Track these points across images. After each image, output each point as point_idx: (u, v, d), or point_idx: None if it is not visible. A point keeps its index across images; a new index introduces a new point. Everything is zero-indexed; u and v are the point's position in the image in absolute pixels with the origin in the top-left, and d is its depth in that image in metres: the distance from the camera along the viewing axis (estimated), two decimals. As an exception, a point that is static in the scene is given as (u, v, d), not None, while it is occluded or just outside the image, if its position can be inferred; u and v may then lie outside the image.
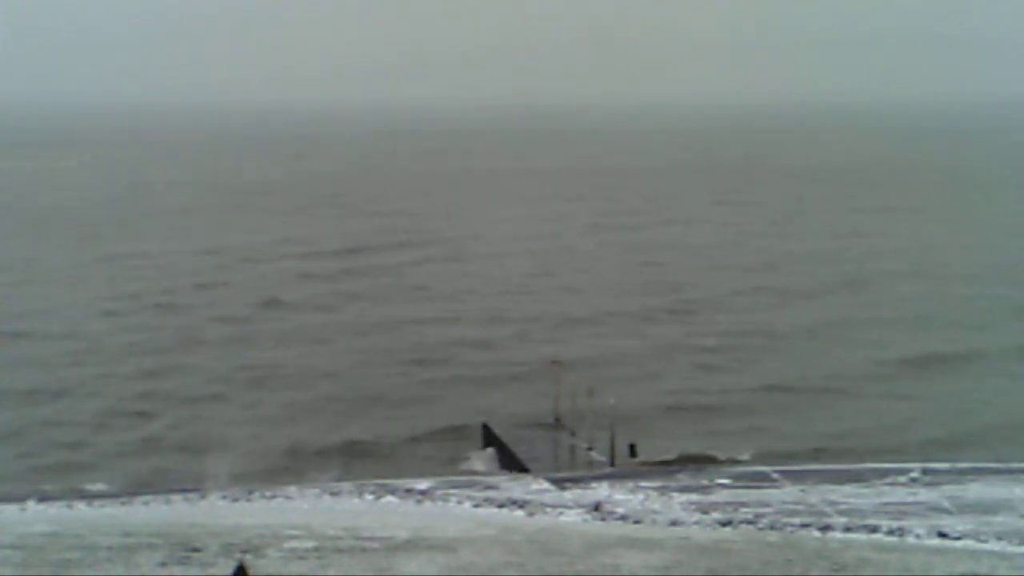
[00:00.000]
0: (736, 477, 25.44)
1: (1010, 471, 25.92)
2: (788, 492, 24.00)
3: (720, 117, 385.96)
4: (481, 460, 32.07)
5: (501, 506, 22.72)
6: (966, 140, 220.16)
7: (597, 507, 22.40)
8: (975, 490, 23.97)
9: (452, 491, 24.20)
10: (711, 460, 30.03)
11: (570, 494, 23.98)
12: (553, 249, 74.88)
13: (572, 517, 21.66)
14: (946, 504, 22.85)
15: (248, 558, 15.65)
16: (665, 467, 27.98)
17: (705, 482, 25.00)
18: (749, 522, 21.18)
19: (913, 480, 24.75)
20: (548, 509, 22.37)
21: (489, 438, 32.85)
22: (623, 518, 21.54)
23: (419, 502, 23.27)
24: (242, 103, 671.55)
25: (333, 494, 24.34)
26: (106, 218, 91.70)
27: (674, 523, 21.13)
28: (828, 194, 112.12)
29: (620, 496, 23.59)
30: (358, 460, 32.64)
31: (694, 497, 23.54)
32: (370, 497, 23.80)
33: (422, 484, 25.10)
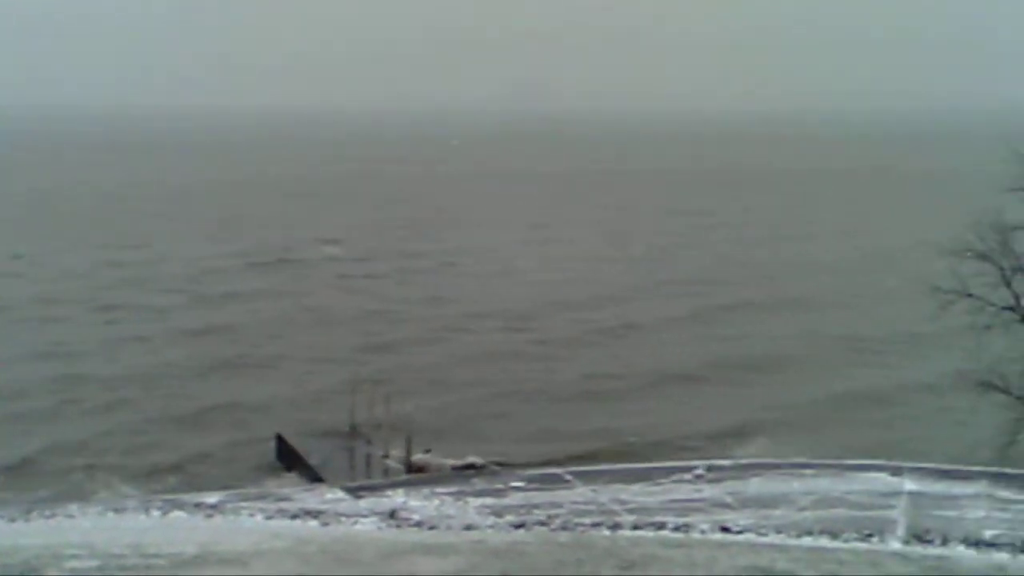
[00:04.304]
0: (530, 480, 25.73)
1: (788, 466, 27.08)
2: (580, 492, 24.43)
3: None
4: (274, 472, 31.55)
5: (294, 517, 22.37)
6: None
7: (392, 514, 22.32)
8: (756, 485, 24.90)
9: (243, 504, 23.62)
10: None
11: (365, 502, 23.78)
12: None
13: (367, 525, 21.54)
14: (729, 499, 23.68)
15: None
16: (461, 472, 28.11)
17: (500, 486, 25.18)
18: (542, 523, 21.50)
19: (698, 477, 25.54)
20: (343, 518, 22.16)
21: (283, 449, 32.32)
22: (418, 524, 21.55)
23: (209, 516, 22.63)
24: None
25: (117, 511, 23.42)
26: None
27: (469, 527, 21.25)
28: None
29: (416, 503, 23.53)
30: (145, 475, 31.49)
31: (489, 501, 23.70)
32: (157, 513, 23.00)
33: (212, 498, 24.38)
